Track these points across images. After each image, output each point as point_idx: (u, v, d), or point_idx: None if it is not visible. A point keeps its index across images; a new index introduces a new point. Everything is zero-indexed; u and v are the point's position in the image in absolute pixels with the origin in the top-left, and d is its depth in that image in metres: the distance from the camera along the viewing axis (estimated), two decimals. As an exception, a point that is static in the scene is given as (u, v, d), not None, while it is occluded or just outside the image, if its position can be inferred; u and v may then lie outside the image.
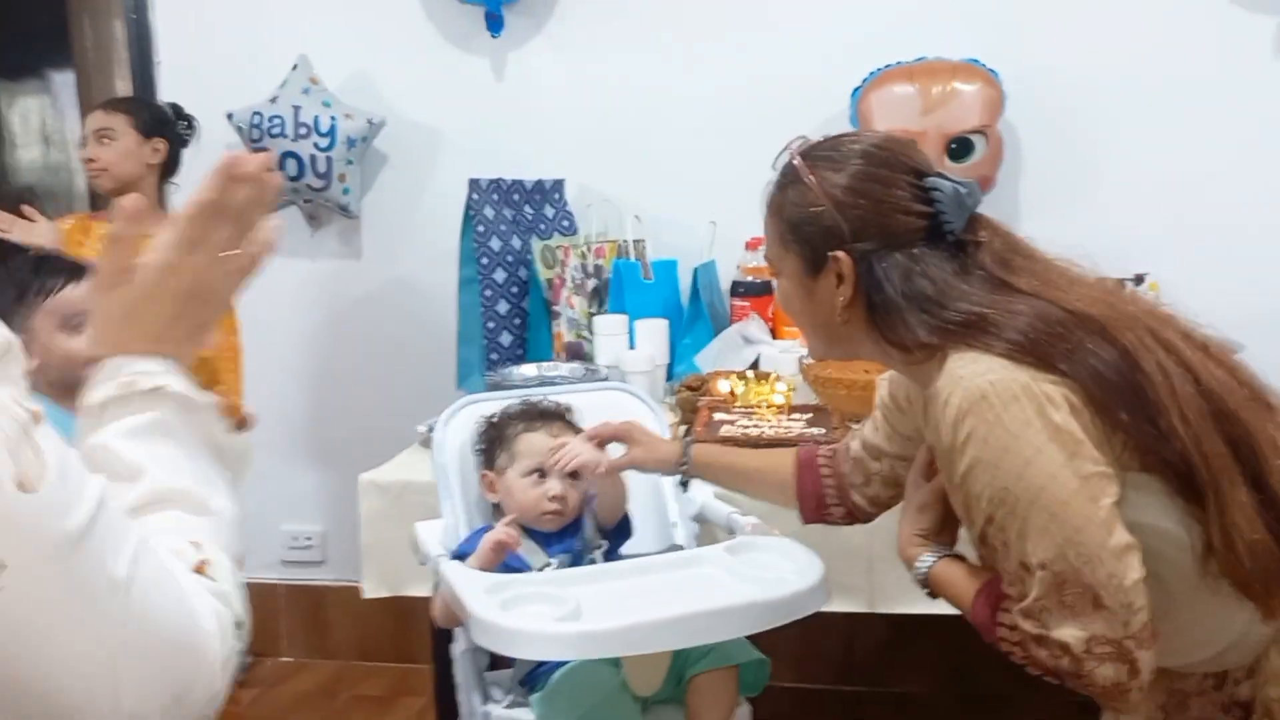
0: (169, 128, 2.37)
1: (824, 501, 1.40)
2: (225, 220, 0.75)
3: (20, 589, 0.51)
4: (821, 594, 1.32)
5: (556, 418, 1.60)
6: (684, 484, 1.55)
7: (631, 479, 1.69)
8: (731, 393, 2.01)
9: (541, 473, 1.55)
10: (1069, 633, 1.00)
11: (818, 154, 1.14)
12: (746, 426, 1.87)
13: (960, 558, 1.20)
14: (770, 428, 1.85)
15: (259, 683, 2.71)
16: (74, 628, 0.54)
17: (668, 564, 1.43)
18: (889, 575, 1.73)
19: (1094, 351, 1.02)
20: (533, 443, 1.56)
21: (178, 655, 0.59)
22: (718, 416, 1.93)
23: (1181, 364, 1.03)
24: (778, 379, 2.02)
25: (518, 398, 1.68)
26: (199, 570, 0.64)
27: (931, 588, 1.20)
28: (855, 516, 1.42)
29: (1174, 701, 1.15)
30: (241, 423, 1.94)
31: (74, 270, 1.44)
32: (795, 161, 1.15)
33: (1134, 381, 1.01)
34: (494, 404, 1.68)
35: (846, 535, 1.72)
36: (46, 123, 3.74)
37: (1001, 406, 0.99)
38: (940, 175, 1.11)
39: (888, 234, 1.09)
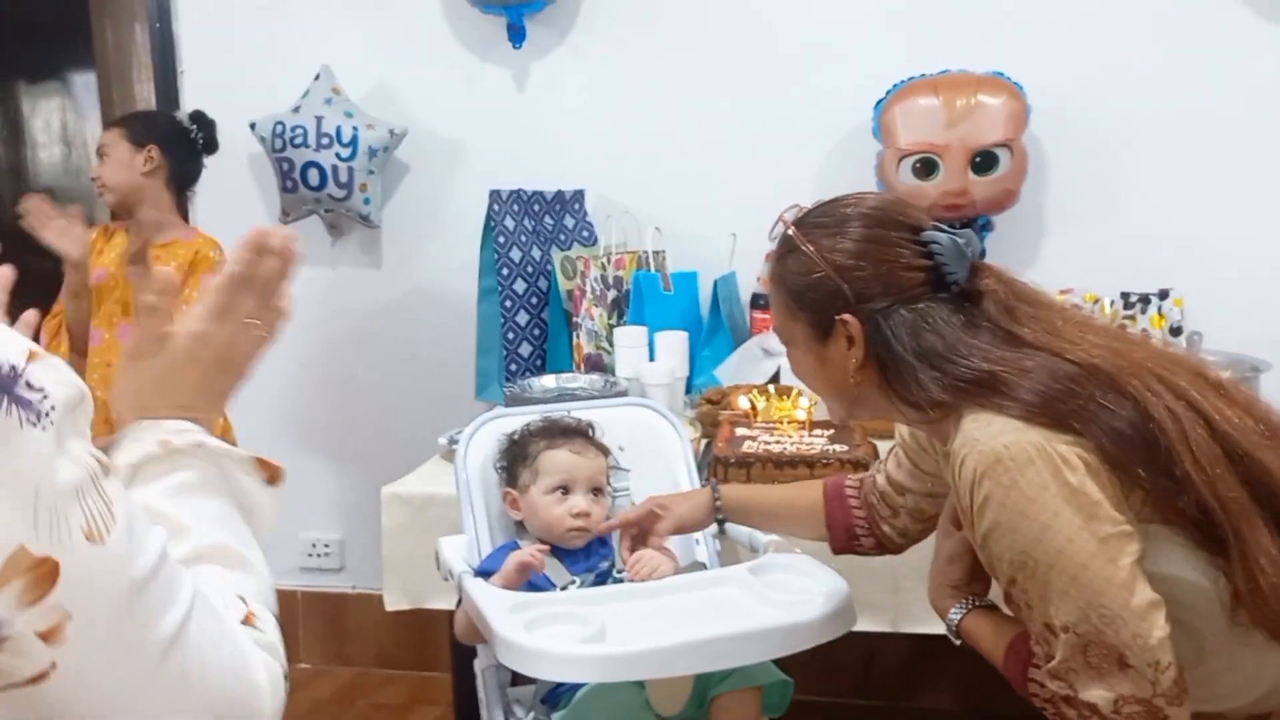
0: (164, 135, 2.33)
1: (854, 533, 1.41)
2: (252, 291, 0.78)
3: (85, 640, 0.51)
4: (849, 617, 1.31)
5: (579, 434, 1.60)
6: (721, 529, 1.55)
7: (657, 489, 1.69)
8: (752, 408, 2.00)
9: (565, 489, 1.54)
10: (1097, 694, 0.99)
11: (812, 221, 1.16)
12: (769, 443, 1.86)
13: (992, 607, 1.20)
14: (792, 444, 1.85)
15: (276, 690, 2.71)
16: (135, 680, 0.54)
17: (691, 584, 1.42)
18: (914, 594, 1.72)
19: (1106, 407, 1.01)
20: (556, 460, 1.56)
21: (232, 708, 0.59)
22: (739, 432, 1.92)
23: (1192, 408, 1.02)
24: (799, 394, 2.01)
25: (539, 414, 1.68)
26: (247, 622, 0.64)
27: (963, 639, 1.20)
28: (885, 547, 1.42)
29: None
30: (274, 476, 1.95)
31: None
32: (790, 232, 1.16)
33: (1147, 433, 1.00)
34: (515, 420, 1.67)
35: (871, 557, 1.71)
36: (68, 125, 3.76)
37: (1017, 470, 0.99)
38: (936, 228, 1.12)
39: (892, 292, 1.10)
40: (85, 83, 3.57)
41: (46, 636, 0.50)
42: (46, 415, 0.50)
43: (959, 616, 1.20)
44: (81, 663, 0.51)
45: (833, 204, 1.17)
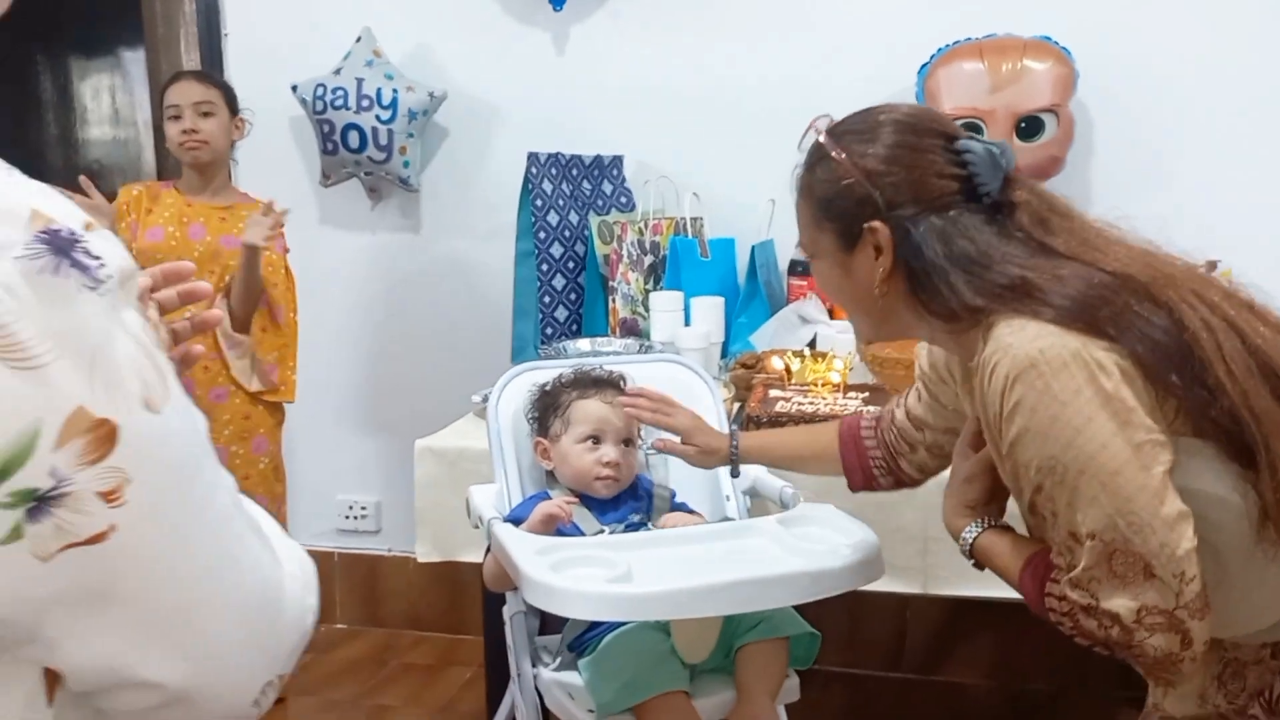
0: (237, 105, 2.40)
1: (870, 473, 1.40)
2: None
3: (143, 505, 0.52)
4: (875, 567, 1.30)
5: (610, 385, 1.60)
6: (734, 472, 1.55)
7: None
8: (787, 369, 1.99)
9: (596, 439, 1.55)
10: (1119, 603, 0.98)
11: (844, 128, 1.14)
12: (802, 404, 1.85)
13: (1008, 529, 1.18)
14: (826, 405, 1.83)
15: (310, 648, 2.73)
16: (187, 553, 0.55)
17: (720, 533, 1.42)
18: (943, 557, 1.70)
19: (1141, 315, 1.00)
20: (587, 409, 1.56)
21: (265, 589, 0.61)
22: (773, 393, 1.91)
23: (1226, 321, 1.00)
24: (834, 357, 2.00)
25: (572, 366, 1.68)
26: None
27: (977, 558, 1.18)
28: (903, 483, 1.41)
29: (1229, 672, 1.11)
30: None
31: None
32: (822, 139, 1.15)
33: (1181, 343, 0.99)
34: (547, 372, 1.68)
35: (900, 515, 1.70)
36: (116, 98, 3.81)
37: (1051, 374, 0.97)
38: (971, 137, 1.10)
39: (923, 199, 1.08)
40: (133, 57, 3.62)
41: (107, 497, 0.50)
42: (103, 283, 0.51)
43: (974, 534, 1.17)
44: (139, 528, 0.52)
45: (865, 113, 1.15)
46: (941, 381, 1.30)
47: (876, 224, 1.08)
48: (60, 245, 0.49)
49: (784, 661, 1.47)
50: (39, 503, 0.49)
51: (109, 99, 3.82)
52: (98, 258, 0.51)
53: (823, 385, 1.92)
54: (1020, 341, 1.00)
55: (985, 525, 1.17)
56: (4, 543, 0.48)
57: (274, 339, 2.38)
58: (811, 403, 1.85)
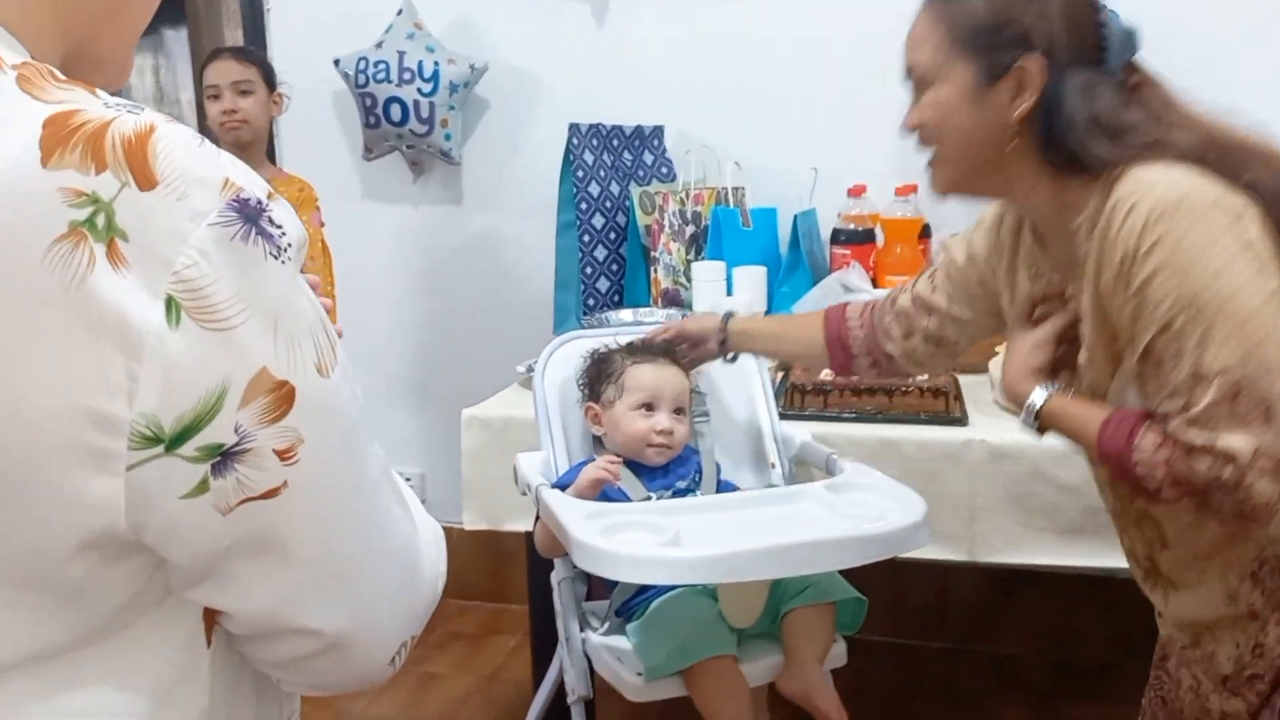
0: (275, 80, 2.40)
1: (849, 350, 1.44)
2: None
3: (313, 464, 0.55)
4: (923, 533, 1.30)
5: (664, 353, 1.61)
6: (730, 357, 1.61)
7: (734, 413, 1.70)
8: None
9: (650, 406, 1.55)
10: (1238, 441, 0.99)
11: None
12: None
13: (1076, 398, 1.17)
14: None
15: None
16: (349, 513, 0.58)
17: (768, 498, 1.43)
18: (991, 525, 1.70)
19: (1272, 174, 1.03)
20: (642, 376, 1.57)
21: (408, 551, 0.64)
22: None
23: None
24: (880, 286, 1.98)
25: (617, 334, 1.69)
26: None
27: (1045, 422, 1.16)
28: (881, 367, 1.45)
29: (1268, 569, 1.11)
30: None
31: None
32: None
33: None
34: (594, 340, 1.69)
35: (948, 482, 1.70)
36: (160, 77, 3.86)
37: (1195, 215, 1.00)
38: (1112, 11, 1.12)
39: (1077, 50, 1.09)
40: (175, 36, 3.65)
41: (282, 455, 0.53)
42: (285, 251, 0.53)
43: (1045, 396, 1.15)
44: (308, 485, 0.55)
45: None
46: (978, 271, 1.33)
47: (1030, 63, 1.08)
48: (249, 213, 0.52)
49: (831, 626, 1.47)
50: (223, 458, 0.51)
51: (152, 78, 3.87)
52: (279, 226, 0.53)
53: None
54: (1165, 181, 1.02)
55: (1055, 389, 1.16)
56: (191, 495, 0.51)
57: None
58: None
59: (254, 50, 2.58)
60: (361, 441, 0.59)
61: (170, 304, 0.49)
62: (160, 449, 0.50)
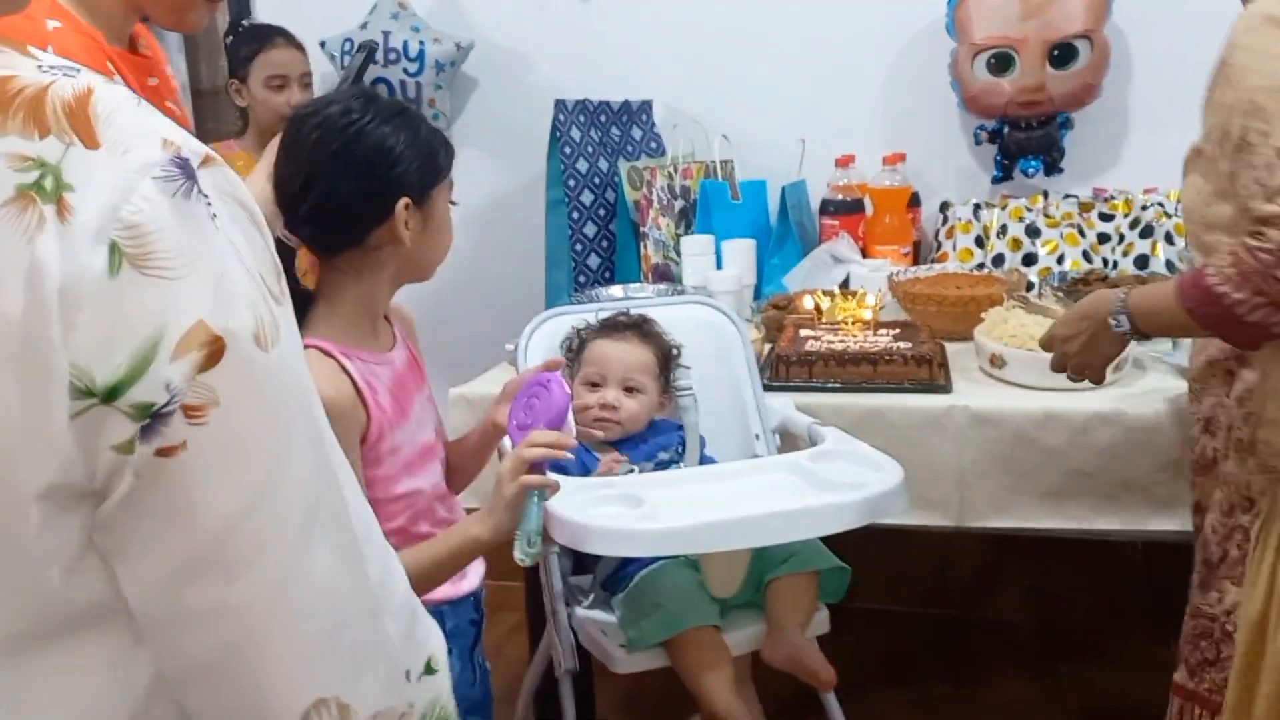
0: None
1: None
2: None
3: (221, 432, 0.51)
4: (899, 499, 1.31)
5: (630, 328, 1.61)
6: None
7: (718, 386, 1.70)
8: (817, 309, 1.98)
9: (595, 383, 1.56)
10: None
11: None
12: (832, 341, 1.85)
13: None
14: (856, 343, 1.83)
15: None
16: (242, 500, 0.53)
17: (746, 470, 1.44)
18: (978, 490, 1.70)
19: None
20: (594, 351, 1.58)
21: (332, 597, 0.57)
22: (803, 333, 1.91)
23: None
24: (865, 294, 1.99)
25: (599, 309, 1.69)
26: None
27: (1132, 311, 1.21)
28: None
29: None
30: None
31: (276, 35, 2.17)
32: None
33: None
34: (575, 317, 1.69)
35: (935, 449, 1.70)
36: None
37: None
38: None
39: None
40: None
41: (190, 411, 0.50)
42: (218, 215, 0.53)
43: (1125, 294, 1.22)
44: (208, 455, 0.51)
45: None
46: None
47: None
48: (189, 172, 0.52)
49: (814, 595, 1.48)
50: (153, 420, 0.50)
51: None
52: (205, 195, 0.52)
53: (853, 323, 1.92)
54: None
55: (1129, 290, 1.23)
56: (120, 451, 0.50)
57: None
58: (841, 340, 1.85)
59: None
60: (293, 443, 0.55)
61: (114, 249, 0.48)
62: (95, 401, 0.49)
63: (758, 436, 1.69)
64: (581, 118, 2.38)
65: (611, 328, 1.61)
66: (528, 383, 1.26)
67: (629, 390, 1.57)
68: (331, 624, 0.56)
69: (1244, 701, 1.14)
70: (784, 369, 1.79)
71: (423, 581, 1.13)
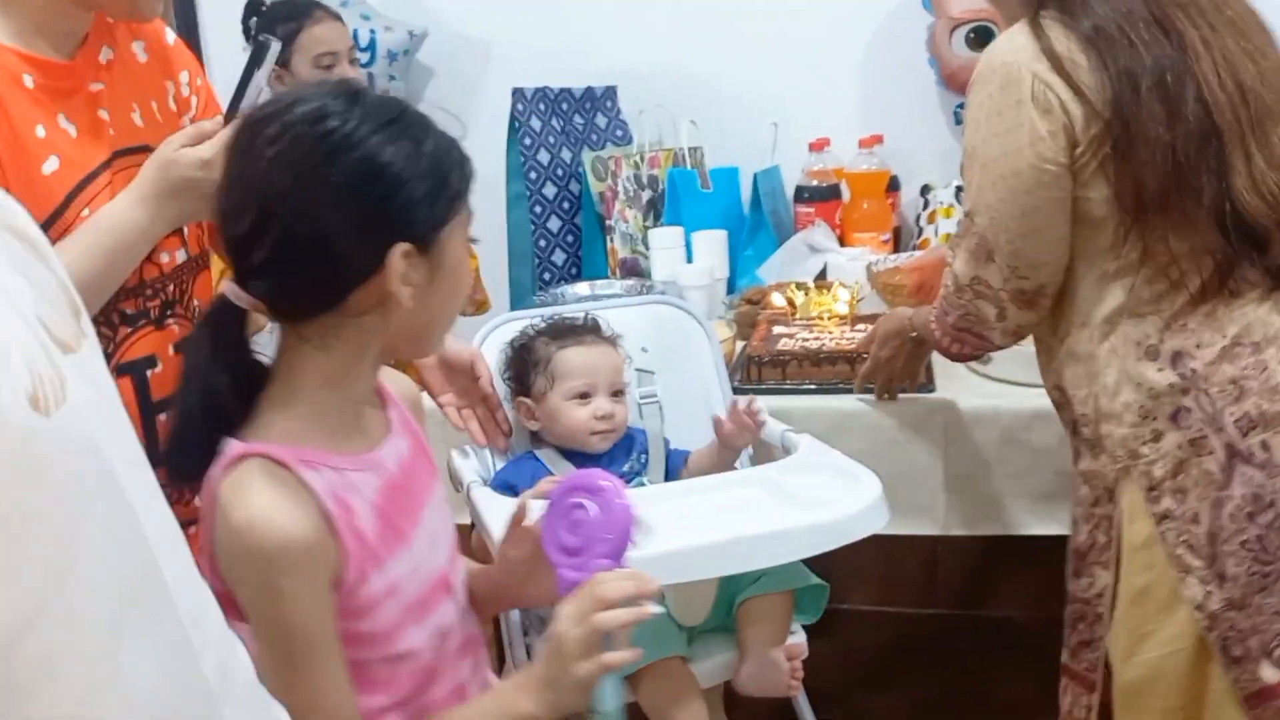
0: None
1: None
2: None
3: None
4: (878, 516, 1.20)
5: (588, 331, 1.50)
6: None
7: (684, 392, 1.60)
8: (790, 304, 1.87)
9: (585, 394, 1.45)
10: (960, 267, 1.28)
11: None
12: (806, 339, 1.74)
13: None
14: (831, 339, 1.72)
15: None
16: (23, 599, 0.42)
17: (715, 485, 1.33)
18: (963, 497, 1.61)
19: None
20: (572, 361, 1.46)
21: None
22: (776, 330, 1.81)
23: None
24: (840, 287, 1.88)
25: (544, 316, 1.58)
26: None
27: (920, 332, 1.46)
28: None
29: None
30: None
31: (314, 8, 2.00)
32: None
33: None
34: (518, 324, 1.58)
35: (916, 455, 1.60)
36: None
37: (986, 79, 1.21)
38: None
39: None
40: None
41: None
42: None
43: (911, 317, 1.49)
44: None
45: None
46: None
47: None
48: None
49: (788, 615, 1.38)
50: None
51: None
52: None
53: (829, 318, 1.81)
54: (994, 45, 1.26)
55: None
56: None
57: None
58: (816, 338, 1.74)
59: None
60: (94, 530, 0.44)
61: None
62: None
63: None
64: (541, 106, 2.26)
65: (574, 333, 1.50)
66: (561, 488, 0.92)
67: (615, 395, 1.46)
68: None
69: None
70: (756, 371, 1.68)
71: None
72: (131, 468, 0.48)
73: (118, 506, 0.46)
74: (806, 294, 1.87)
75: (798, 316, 1.85)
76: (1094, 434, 1.23)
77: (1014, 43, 1.18)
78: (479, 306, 2.20)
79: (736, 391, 1.61)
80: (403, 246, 0.83)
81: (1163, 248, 1.16)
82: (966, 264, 1.26)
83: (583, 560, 0.87)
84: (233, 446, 0.84)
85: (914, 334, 1.48)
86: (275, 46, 1.13)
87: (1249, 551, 1.16)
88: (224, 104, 1.16)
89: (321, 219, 0.82)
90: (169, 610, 0.48)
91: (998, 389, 1.61)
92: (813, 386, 1.66)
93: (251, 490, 0.82)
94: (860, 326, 1.78)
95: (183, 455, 0.87)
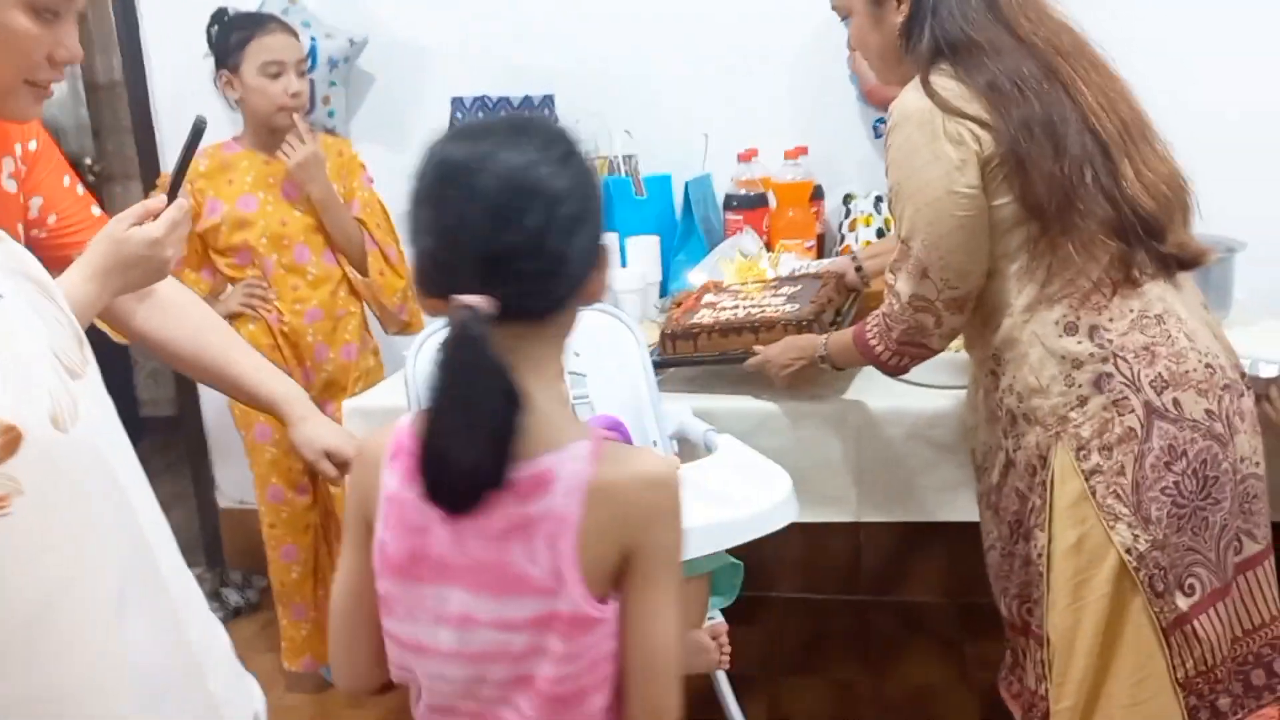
0: None
1: None
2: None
3: (30, 522, 0.50)
4: (787, 510, 1.31)
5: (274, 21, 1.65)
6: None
7: (614, 396, 1.69)
8: (715, 286, 2.00)
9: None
10: (901, 287, 1.43)
11: None
12: (728, 308, 1.84)
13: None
14: (749, 307, 1.83)
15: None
16: (48, 585, 0.51)
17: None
18: (875, 485, 1.73)
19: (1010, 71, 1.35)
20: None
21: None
22: (706, 299, 1.91)
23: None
24: (766, 254, 1.99)
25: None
26: None
27: (832, 357, 1.62)
28: None
29: None
30: None
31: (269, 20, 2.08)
32: None
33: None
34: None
35: (830, 447, 1.72)
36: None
37: (907, 125, 1.39)
38: None
39: None
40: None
41: None
42: (3, 297, 0.50)
43: (826, 342, 1.63)
44: (15, 542, 0.50)
45: None
46: None
47: None
48: None
49: (705, 598, 1.48)
50: None
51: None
52: None
53: (753, 284, 1.92)
54: (903, 98, 1.42)
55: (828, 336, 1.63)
56: None
57: (394, 280, 2.25)
58: (737, 305, 1.85)
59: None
60: (103, 525, 0.53)
61: None
62: None
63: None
64: (480, 114, 2.34)
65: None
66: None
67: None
68: (149, 696, 0.56)
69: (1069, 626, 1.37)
70: (670, 345, 1.80)
71: None
72: (130, 474, 0.57)
73: (120, 506, 0.56)
74: (733, 264, 1.98)
75: (726, 284, 1.95)
76: (1026, 409, 1.39)
77: (919, 94, 1.37)
78: (405, 328, 2.30)
79: (656, 367, 1.71)
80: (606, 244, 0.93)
81: (1066, 249, 1.34)
82: (908, 284, 1.42)
83: None
84: (584, 441, 0.88)
85: (823, 357, 1.63)
86: (205, 125, 1.25)
87: (1168, 496, 1.32)
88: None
89: (589, 216, 0.89)
90: (162, 592, 0.57)
91: (904, 389, 1.73)
92: (713, 357, 1.78)
93: (637, 455, 0.94)
94: (783, 290, 1.88)
95: (484, 476, 0.85)
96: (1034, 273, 1.37)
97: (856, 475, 1.73)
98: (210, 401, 2.87)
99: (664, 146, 2.45)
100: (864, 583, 2.67)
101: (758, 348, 1.73)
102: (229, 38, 2.12)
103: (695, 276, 2.28)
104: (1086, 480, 1.34)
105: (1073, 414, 1.35)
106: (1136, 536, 1.32)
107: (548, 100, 2.49)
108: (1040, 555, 1.40)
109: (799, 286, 1.88)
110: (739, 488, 1.35)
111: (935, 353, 1.50)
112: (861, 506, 1.76)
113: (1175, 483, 1.32)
